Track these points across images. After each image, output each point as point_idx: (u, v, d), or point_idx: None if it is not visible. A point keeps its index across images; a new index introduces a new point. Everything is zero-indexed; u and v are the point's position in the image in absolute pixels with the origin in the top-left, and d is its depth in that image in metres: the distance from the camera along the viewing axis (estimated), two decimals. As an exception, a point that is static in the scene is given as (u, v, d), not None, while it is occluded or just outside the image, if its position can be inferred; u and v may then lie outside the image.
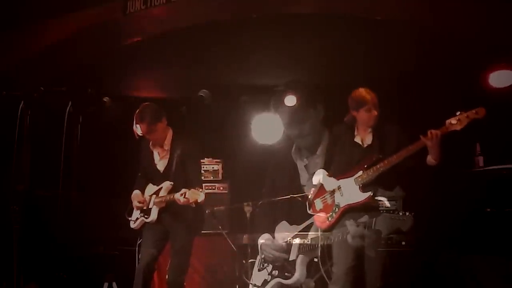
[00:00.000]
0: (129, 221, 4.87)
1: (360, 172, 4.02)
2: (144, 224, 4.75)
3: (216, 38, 5.36)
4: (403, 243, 5.14)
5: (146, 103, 4.77)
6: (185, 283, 4.67)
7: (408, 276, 4.79)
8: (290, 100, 5.25)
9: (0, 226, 4.07)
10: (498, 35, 4.90)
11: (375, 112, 4.15)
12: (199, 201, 4.30)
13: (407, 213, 3.79)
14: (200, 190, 4.30)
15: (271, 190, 5.06)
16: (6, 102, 3.39)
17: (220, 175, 6.27)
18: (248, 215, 5.16)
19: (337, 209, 4.09)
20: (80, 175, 3.58)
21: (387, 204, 4.01)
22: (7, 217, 3.35)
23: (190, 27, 5.33)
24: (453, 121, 3.78)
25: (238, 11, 5.23)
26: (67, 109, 3.46)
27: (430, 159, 3.89)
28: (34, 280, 5.14)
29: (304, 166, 4.76)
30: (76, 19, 5.34)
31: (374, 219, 3.91)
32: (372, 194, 3.96)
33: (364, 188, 3.99)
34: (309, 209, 4.28)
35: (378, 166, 3.95)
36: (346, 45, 5.32)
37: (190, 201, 4.29)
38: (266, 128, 6.20)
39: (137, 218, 4.77)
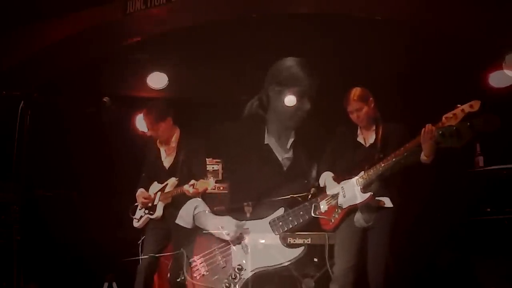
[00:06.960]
0: (130, 220, 4.87)
1: (362, 173, 4.03)
2: (148, 223, 4.75)
3: (216, 38, 5.36)
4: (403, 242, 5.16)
5: (156, 100, 4.82)
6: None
7: (408, 275, 4.79)
8: (290, 100, 5.26)
9: (0, 226, 4.08)
10: (498, 35, 4.90)
11: (365, 110, 4.12)
12: (209, 188, 4.35)
13: None
14: (208, 178, 4.34)
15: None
16: (6, 102, 3.38)
17: (220, 175, 6.26)
18: (248, 215, 5.14)
19: (339, 210, 4.13)
20: (80, 175, 3.58)
21: (389, 204, 4.02)
22: (7, 217, 3.35)
23: (190, 27, 5.34)
24: (449, 115, 3.73)
25: (238, 11, 5.24)
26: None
27: (423, 156, 3.87)
28: (34, 280, 5.13)
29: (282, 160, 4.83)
30: (76, 19, 5.35)
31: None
32: (372, 194, 3.96)
33: (365, 188, 3.99)
34: (314, 211, 4.27)
35: (377, 166, 3.96)
36: (346, 45, 5.32)
37: (200, 191, 4.34)
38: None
39: (141, 216, 4.78)
